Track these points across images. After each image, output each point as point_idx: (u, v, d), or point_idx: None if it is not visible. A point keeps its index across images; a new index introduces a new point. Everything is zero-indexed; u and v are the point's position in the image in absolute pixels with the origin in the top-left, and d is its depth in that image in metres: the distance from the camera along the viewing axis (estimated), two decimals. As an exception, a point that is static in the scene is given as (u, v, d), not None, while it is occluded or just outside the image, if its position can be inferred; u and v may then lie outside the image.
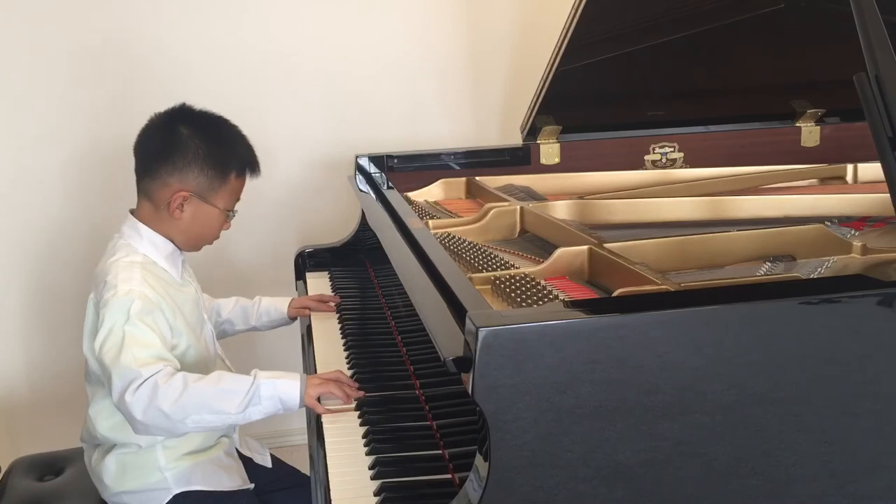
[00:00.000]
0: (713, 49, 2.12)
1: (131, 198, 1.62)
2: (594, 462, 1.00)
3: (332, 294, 2.03)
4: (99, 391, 1.57)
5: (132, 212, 1.60)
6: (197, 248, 1.65)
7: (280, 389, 1.42)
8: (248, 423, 1.45)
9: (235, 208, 1.63)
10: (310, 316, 1.90)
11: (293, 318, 1.93)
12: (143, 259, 1.54)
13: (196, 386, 1.39)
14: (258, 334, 2.12)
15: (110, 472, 1.57)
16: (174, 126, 1.55)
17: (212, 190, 1.56)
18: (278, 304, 1.91)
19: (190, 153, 1.53)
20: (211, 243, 1.65)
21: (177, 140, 1.54)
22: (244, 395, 1.40)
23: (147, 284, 1.49)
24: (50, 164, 2.43)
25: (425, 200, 2.12)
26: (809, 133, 2.35)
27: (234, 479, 1.62)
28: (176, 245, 1.60)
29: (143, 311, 1.45)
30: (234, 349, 1.94)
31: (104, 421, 1.56)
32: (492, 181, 2.14)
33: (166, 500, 1.55)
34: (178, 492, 1.56)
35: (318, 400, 1.45)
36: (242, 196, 1.64)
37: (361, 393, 1.48)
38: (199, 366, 1.57)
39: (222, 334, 1.87)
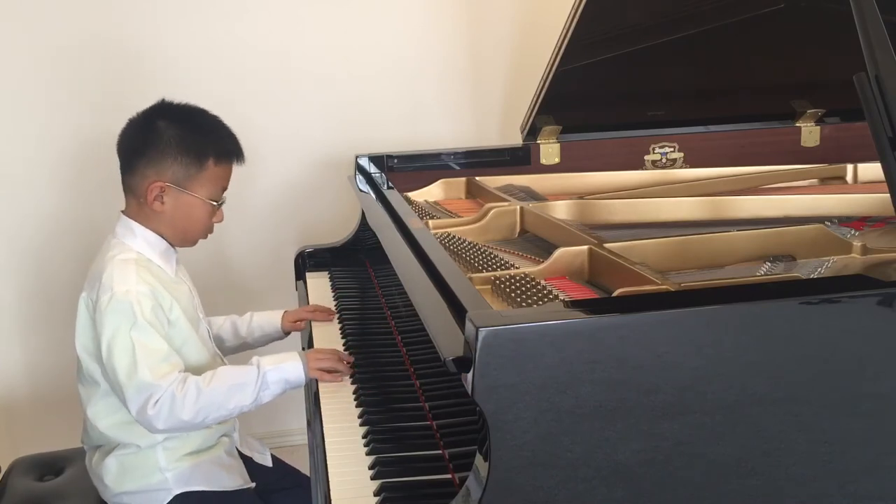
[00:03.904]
0: (713, 49, 2.12)
1: (129, 195, 1.60)
2: (594, 462, 1.00)
3: (332, 293, 2.03)
4: (95, 392, 1.56)
5: (123, 212, 1.59)
6: (188, 242, 1.62)
7: (285, 372, 1.51)
8: (249, 423, 1.46)
9: (224, 197, 1.60)
10: (310, 322, 1.87)
11: (287, 333, 1.88)
12: (137, 256, 1.53)
13: (209, 389, 1.45)
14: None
15: (111, 473, 1.57)
16: (152, 121, 1.55)
17: (189, 178, 1.54)
18: (272, 318, 1.86)
19: (163, 143, 1.52)
20: (205, 237, 1.63)
21: (152, 133, 1.53)
22: (254, 386, 1.49)
23: (143, 280, 1.49)
24: (49, 161, 2.44)
25: (425, 200, 2.12)
26: (809, 133, 2.35)
27: (234, 479, 1.62)
28: (168, 241, 1.59)
29: (145, 310, 1.46)
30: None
31: (103, 420, 1.56)
32: (492, 181, 2.14)
33: (167, 501, 1.55)
34: (178, 492, 1.56)
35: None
36: (242, 195, 1.64)
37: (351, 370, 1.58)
38: (198, 361, 1.57)
39: None
